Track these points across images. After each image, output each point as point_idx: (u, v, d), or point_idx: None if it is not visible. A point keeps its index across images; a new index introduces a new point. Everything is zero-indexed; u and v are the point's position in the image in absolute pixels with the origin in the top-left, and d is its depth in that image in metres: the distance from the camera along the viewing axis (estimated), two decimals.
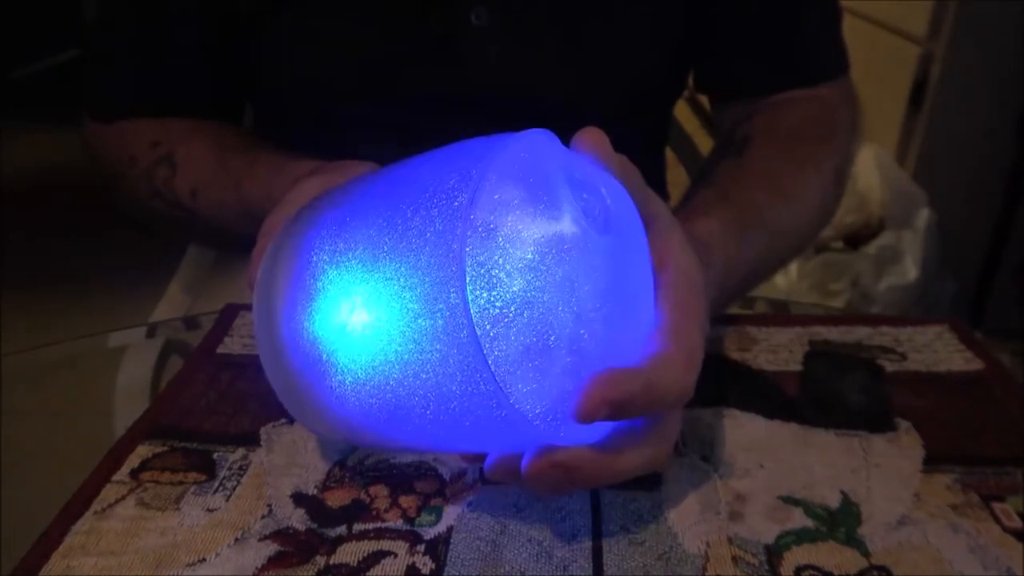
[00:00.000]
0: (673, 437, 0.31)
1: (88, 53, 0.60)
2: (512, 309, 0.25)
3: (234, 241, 0.52)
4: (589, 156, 0.30)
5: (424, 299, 0.26)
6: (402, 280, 0.27)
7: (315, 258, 0.30)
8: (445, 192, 0.26)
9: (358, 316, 0.28)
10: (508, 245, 0.26)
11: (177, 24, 0.55)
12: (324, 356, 0.29)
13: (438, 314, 0.26)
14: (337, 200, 0.32)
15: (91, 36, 0.60)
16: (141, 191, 0.56)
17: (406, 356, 0.27)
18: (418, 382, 0.27)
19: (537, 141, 0.28)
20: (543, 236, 0.26)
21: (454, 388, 0.26)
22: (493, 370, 0.25)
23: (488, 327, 0.25)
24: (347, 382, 0.29)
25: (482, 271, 0.25)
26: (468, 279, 0.25)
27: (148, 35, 0.56)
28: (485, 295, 0.25)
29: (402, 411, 0.28)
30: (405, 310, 0.26)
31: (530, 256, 0.26)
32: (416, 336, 0.26)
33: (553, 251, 0.26)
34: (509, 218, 0.26)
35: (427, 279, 0.26)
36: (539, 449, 0.28)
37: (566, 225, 0.27)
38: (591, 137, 0.30)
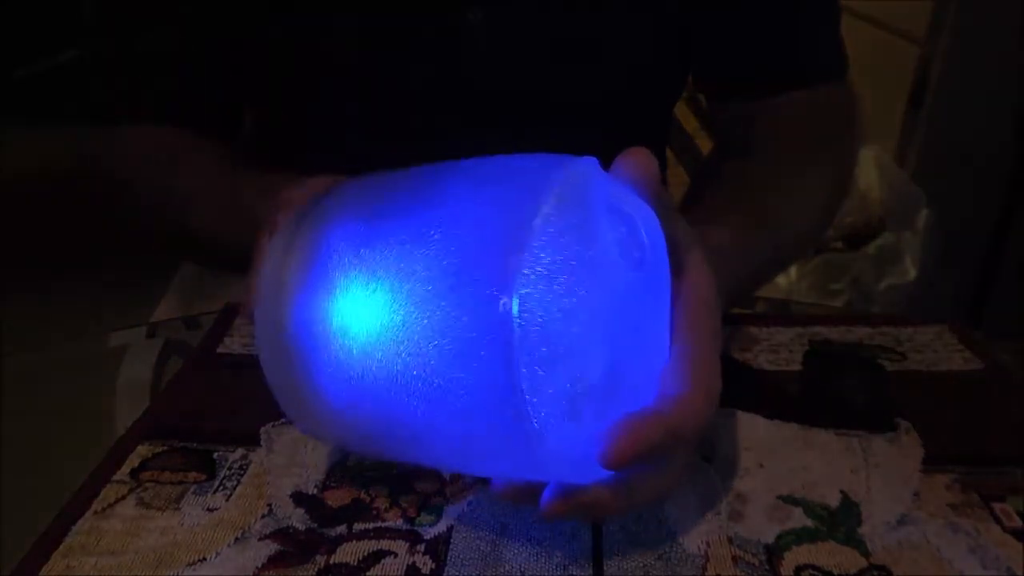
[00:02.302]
0: (685, 464, 0.31)
1: (87, 57, 0.60)
2: (552, 356, 0.24)
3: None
4: (628, 180, 0.29)
5: (463, 343, 0.25)
6: (438, 321, 0.25)
7: (335, 280, 0.28)
8: (490, 230, 0.25)
9: (386, 348, 0.27)
10: (554, 292, 0.24)
11: (170, 28, 0.55)
12: (342, 381, 0.28)
13: (478, 360, 0.25)
14: (356, 208, 0.30)
15: (90, 40, 0.59)
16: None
17: (437, 393, 0.26)
18: (447, 418, 0.26)
19: (582, 170, 0.27)
20: (587, 280, 0.25)
21: (483, 428, 0.26)
22: (533, 419, 0.24)
23: (528, 375, 0.24)
24: (368, 407, 0.28)
25: (526, 318, 0.24)
26: (514, 326, 0.24)
27: (143, 39, 0.56)
28: (528, 344, 0.24)
29: (420, 440, 0.28)
30: (441, 352, 0.25)
31: (575, 301, 0.25)
32: (453, 379, 0.25)
33: (595, 295, 0.25)
34: (555, 263, 0.25)
35: (468, 322, 0.25)
36: (559, 488, 0.28)
37: (608, 267, 0.26)
38: (636, 159, 0.29)
